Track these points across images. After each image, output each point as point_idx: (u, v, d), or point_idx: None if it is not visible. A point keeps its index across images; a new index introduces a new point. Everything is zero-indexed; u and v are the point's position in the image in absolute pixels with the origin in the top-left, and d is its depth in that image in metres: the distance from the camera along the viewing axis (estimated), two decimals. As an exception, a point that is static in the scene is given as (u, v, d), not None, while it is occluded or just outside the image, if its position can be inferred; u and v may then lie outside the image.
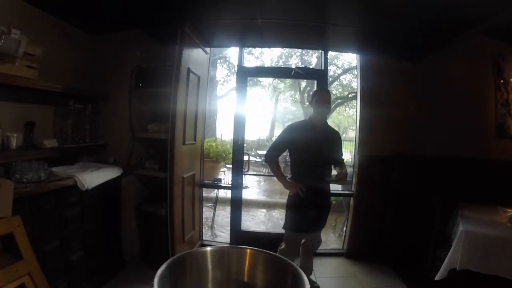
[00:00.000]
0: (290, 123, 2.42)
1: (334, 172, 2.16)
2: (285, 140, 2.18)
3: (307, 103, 10.15)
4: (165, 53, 2.56)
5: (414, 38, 2.43)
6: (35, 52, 1.84)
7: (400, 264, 2.72)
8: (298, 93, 10.44)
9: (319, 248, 2.45)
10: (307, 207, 2.10)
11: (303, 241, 2.33)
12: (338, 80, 10.66)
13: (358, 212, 3.01)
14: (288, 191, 2.22)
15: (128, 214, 2.69)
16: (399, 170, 2.86)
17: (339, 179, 2.07)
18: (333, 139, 2.23)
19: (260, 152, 8.48)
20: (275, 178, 2.27)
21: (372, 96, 2.96)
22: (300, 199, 2.10)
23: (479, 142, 2.83)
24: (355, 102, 3.54)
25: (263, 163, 2.52)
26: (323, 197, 2.20)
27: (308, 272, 2.40)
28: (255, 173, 7.06)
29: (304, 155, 2.12)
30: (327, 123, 2.27)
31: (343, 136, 14.49)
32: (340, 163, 2.19)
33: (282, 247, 2.26)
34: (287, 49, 9.54)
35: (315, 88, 3.34)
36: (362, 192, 3.00)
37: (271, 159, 2.20)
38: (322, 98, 2.15)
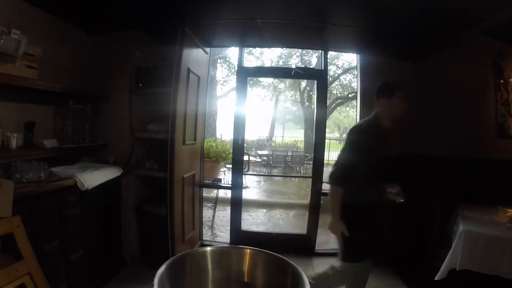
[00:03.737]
0: (290, 123, 2.34)
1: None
2: (362, 150, 1.66)
3: (307, 103, 10.16)
4: (165, 53, 2.55)
5: (414, 38, 2.43)
6: (35, 52, 1.84)
7: (400, 264, 2.72)
8: (298, 93, 10.46)
9: (320, 249, 2.30)
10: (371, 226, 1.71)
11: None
12: (338, 80, 10.68)
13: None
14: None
15: (128, 214, 2.68)
16: (399, 170, 2.85)
17: (399, 194, 1.75)
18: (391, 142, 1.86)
19: (260, 152, 8.45)
20: (275, 178, 2.19)
21: (372, 96, 2.95)
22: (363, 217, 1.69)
23: (479, 142, 2.83)
24: (355, 102, 3.53)
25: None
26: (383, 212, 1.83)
27: None
28: (255, 173, 7.02)
29: (371, 166, 1.69)
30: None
31: (343, 136, 14.51)
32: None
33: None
34: (287, 49, 9.55)
35: (315, 88, 3.33)
36: (362, 192, 3.00)
37: (340, 182, 1.66)
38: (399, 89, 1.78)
